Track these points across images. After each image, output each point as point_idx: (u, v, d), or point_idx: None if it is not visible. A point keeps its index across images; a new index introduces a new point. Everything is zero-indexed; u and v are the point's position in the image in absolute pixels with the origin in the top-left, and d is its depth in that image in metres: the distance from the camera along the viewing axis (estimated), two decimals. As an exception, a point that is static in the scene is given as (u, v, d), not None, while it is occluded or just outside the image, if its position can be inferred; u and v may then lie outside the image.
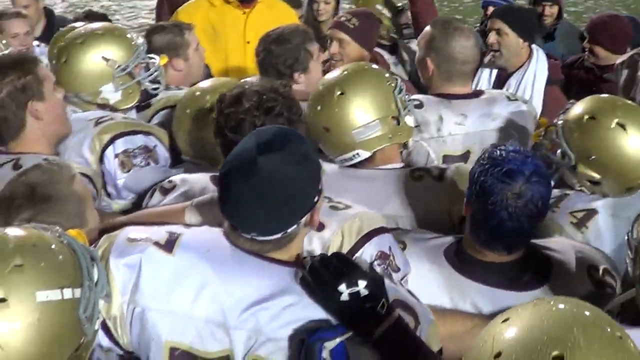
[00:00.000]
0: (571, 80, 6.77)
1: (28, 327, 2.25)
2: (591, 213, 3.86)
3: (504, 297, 3.26)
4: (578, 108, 3.95)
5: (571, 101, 4.21)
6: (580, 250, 3.44)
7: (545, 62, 6.04)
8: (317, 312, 2.67)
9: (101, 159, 4.24)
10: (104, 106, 4.55)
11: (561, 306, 2.10)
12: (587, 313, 2.09)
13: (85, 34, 4.59)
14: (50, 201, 2.98)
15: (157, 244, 2.80)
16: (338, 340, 2.59)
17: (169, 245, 2.80)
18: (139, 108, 4.84)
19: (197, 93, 4.38)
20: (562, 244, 3.54)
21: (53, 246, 2.41)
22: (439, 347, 2.86)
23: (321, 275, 2.67)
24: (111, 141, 4.25)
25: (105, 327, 2.74)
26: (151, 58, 4.69)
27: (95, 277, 2.47)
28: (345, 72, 4.02)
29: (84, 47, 4.52)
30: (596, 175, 3.84)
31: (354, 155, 3.91)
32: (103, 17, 7.50)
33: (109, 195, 4.27)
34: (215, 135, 3.39)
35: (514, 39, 5.85)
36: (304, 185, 2.75)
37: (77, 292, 2.36)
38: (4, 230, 2.45)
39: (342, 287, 2.63)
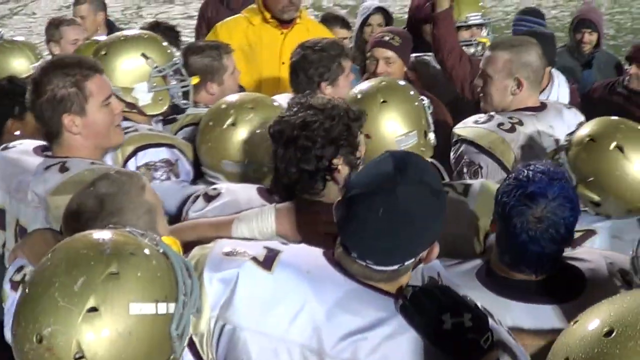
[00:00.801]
0: (606, 104, 6.82)
1: (118, 339, 2.18)
2: (589, 234, 3.87)
3: (544, 311, 3.24)
4: (583, 130, 4.05)
5: (580, 122, 4.40)
6: (609, 257, 3.41)
7: (566, 87, 6.12)
8: (416, 347, 2.60)
9: None
10: (132, 106, 4.53)
11: None
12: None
13: (128, 34, 4.73)
14: (120, 213, 2.89)
15: (255, 259, 2.75)
16: None
17: (267, 262, 2.73)
18: (165, 122, 4.91)
19: (223, 106, 4.44)
20: (590, 254, 3.50)
21: (150, 255, 2.34)
22: None
23: (424, 303, 2.61)
24: (134, 153, 4.25)
25: (190, 343, 2.66)
26: (187, 78, 4.73)
27: (190, 291, 2.40)
28: (384, 83, 4.28)
29: (126, 43, 4.60)
30: (595, 197, 3.90)
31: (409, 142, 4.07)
32: (171, 29, 7.62)
33: None
34: (273, 140, 3.41)
35: None
36: (434, 221, 2.69)
37: (171, 307, 2.30)
38: (100, 234, 2.38)
39: (446, 317, 2.56)
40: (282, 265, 2.74)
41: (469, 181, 4.09)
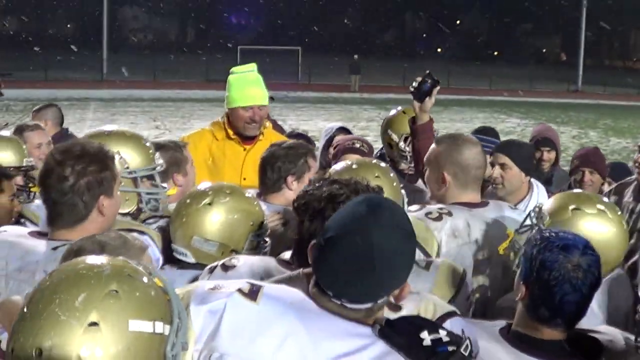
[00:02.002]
0: None
1: (117, 355, 2.21)
2: None
3: None
4: (554, 205, 4.35)
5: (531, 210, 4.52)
6: (624, 332, 3.52)
7: (545, 195, 6.16)
8: None
9: None
10: None
11: None
12: None
13: (115, 131, 4.83)
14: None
15: (240, 291, 2.80)
16: None
17: (252, 294, 2.79)
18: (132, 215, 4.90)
19: (202, 188, 4.64)
20: (606, 328, 3.62)
21: (146, 280, 2.38)
22: None
23: (401, 326, 2.72)
24: None
25: None
26: (163, 188, 4.86)
27: (183, 320, 2.43)
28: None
29: (108, 138, 4.67)
30: None
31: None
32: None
33: None
34: (297, 206, 3.49)
35: (517, 173, 6.00)
36: (405, 262, 2.80)
37: (167, 329, 2.33)
38: (97, 259, 2.41)
39: (424, 334, 2.67)
40: (266, 296, 2.80)
41: (430, 259, 4.22)
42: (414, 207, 4.93)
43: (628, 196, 6.66)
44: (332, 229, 2.78)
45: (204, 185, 4.72)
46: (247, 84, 6.89)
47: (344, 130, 8.22)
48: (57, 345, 2.17)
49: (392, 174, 4.79)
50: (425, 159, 5.15)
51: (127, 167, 4.63)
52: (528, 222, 4.34)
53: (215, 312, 2.76)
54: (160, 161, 4.88)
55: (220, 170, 6.74)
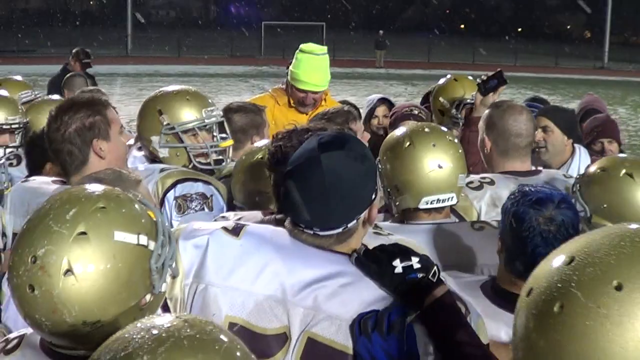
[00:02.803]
0: None
1: (103, 262, 2.36)
2: None
3: None
4: (591, 167, 4.25)
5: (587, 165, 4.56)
6: None
7: (588, 159, 6.14)
8: (372, 292, 2.77)
9: (162, 202, 4.49)
10: (154, 156, 4.81)
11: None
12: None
13: (165, 90, 4.91)
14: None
15: (224, 228, 2.99)
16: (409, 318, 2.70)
17: (235, 231, 2.97)
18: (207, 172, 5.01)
19: (253, 148, 4.65)
20: None
21: (134, 203, 2.54)
22: (487, 341, 2.92)
23: (376, 255, 2.81)
24: (173, 185, 4.52)
25: (164, 306, 2.80)
26: (216, 139, 4.91)
27: (168, 242, 2.56)
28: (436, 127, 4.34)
29: (155, 97, 4.84)
30: (609, 224, 3.90)
31: (450, 198, 4.10)
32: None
33: None
34: (266, 167, 3.54)
35: (560, 136, 6.00)
36: (364, 182, 2.87)
37: (152, 245, 2.48)
38: (91, 185, 2.58)
39: (397, 262, 2.77)
40: (248, 233, 2.98)
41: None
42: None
43: None
44: (290, 164, 2.90)
45: (258, 143, 4.76)
46: (310, 68, 6.97)
47: (385, 101, 8.15)
48: (49, 251, 2.35)
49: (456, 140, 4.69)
50: (478, 123, 5.14)
51: (168, 123, 4.75)
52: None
53: (200, 246, 2.95)
54: (215, 113, 4.90)
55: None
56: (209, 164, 4.85)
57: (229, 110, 5.50)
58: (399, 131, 4.27)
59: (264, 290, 2.84)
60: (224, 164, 4.93)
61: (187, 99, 4.83)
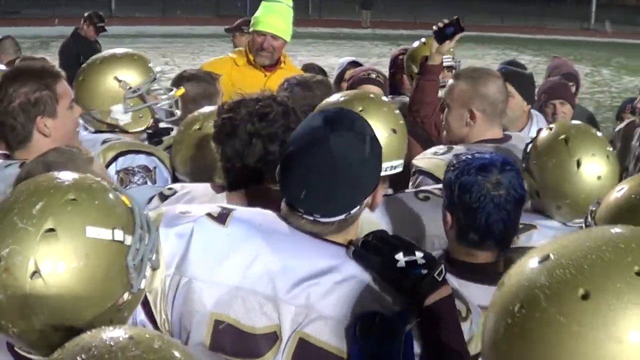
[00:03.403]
0: None
1: (74, 260, 2.21)
2: (528, 227, 4.01)
3: None
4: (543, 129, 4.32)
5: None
6: None
7: (545, 125, 5.92)
8: (369, 291, 2.64)
9: None
10: (113, 127, 4.74)
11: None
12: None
13: (105, 56, 4.82)
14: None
15: (209, 215, 2.81)
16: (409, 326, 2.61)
17: (222, 217, 2.80)
18: (152, 141, 5.08)
19: (192, 117, 4.61)
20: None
21: (109, 192, 2.38)
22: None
23: (377, 246, 2.68)
24: (114, 158, 4.47)
25: (144, 301, 2.67)
26: (169, 91, 4.90)
27: (147, 234, 2.42)
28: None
29: (101, 66, 4.73)
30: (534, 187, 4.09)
31: (400, 165, 4.05)
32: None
33: None
34: (213, 140, 3.45)
35: (520, 102, 6.05)
36: (372, 167, 2.77)
37: (128, 239, 2.32)
38: (60, 174, 2.42)
39: (399, 256, 2.64)
40: (235, 220, 2.80)
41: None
42: (441, 149, 4.85)
43: (635, 139, 6.56)
44: (292, 144, 2.77)
45: (200, 110, 4.70)
46: (270, 12, 6.97)
47: (355, 64, 8.13)
48: (14, 251, 2.17)
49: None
50: (446, 98, 5.04)
51: (130, 87, 4.66)
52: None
53: (183, 235, 2.76)
54: (158, 69, 4.90)
55: None
56: (172, 114, 4.86)
57: (181, 79, 5.48)
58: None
59: (252, 285, 2.70)
60: (178, 112, 4.87)
61: (135, 59, 4.81)
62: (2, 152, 4.16)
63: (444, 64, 6.83)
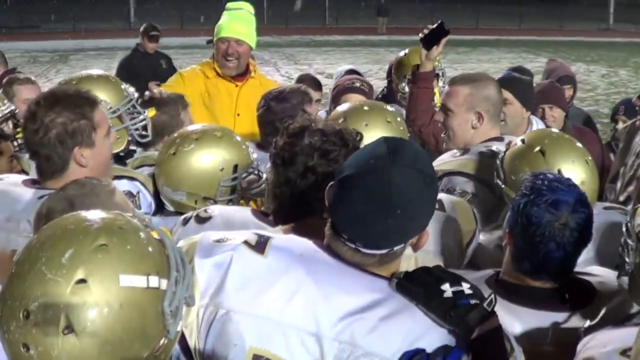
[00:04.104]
0: None
1: (108, 312, 2.10)
2: None
3: (554, 318, 3.29)
4: (518, 138, 4.46)
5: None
6: (614, 271, 3.42)
7: None
8: (416, 325, 2.56)
9: None
10: None
11: None
12: None
13: (80, 77, 4.76)
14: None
15: (246, 243, 2.71)
16: None
17: (260, 246, 2.70)
18: (121, 160, 4.94)
19: (185, 141, 4.49)
20: (599, 270, 3.56)
21: (141, 232, 2.26)
22: None
23: (421, 278, 2.60)
24: None
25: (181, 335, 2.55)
26: (142, 112, 4.86)
27: (183, 274, 2.30)
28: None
29: (78, 86, 4.51)
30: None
31: None
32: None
33: None
34: (271, 162, 3.33)
35: (519, 109, 6.03)
36: (426, 207, 2.70)
37: (164, 284, 2.21)
38: (88, 213, 2.31)
39: (446, 286, 2.56)
40: (274, 248, 2.70)
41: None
42: (457, 152, 4.93)
43: (639, 136, 6.61)
44: (350, 167, 2.67)
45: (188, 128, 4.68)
46: (231, 19, 6.95)
47: (353, 72, 8.13)
48: (43, 305, 2.07)
49: (399, 119, 4.80)
50: (447, 104, 5.10)
51: (110, 108, 4.61)
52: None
53: (221, 265, 2.67)
54: (132, 89, 4.86)
55: (216, 105, 6.88)
56: (145, 135, 4.82)
57: (146, 104, 5.41)
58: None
59: (294, 320, 2.59)
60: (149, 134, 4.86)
61: (111, 80, 4.83)
62: (30, 178, 4.07)
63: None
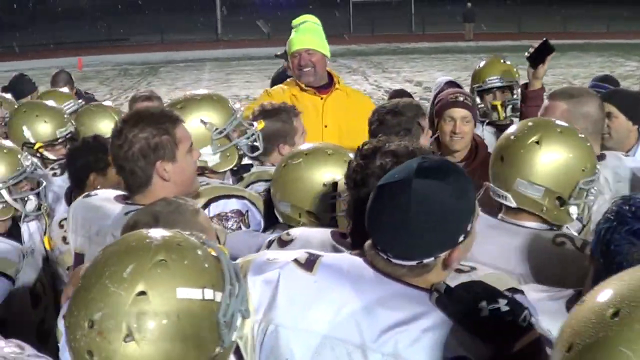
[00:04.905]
0: None
1: (166, 322, 2.23)
2: None
3: None
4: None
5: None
6: None
7: None
8: (457, 337, 2.57)
9: None
10: (202, 168, 4.67)
11: None
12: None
13: (185, 99, 4.81)
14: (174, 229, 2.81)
15: (296, 261, 2.80)
16: None
17: (309, 264, 2.78)
18: (236, 176, 5.10)
19: (294, 156, 4.48)
20: None
21: (197, 249, 2.39)
22: None
23: (460, 295, 2.61)
24: (207, 204, 4.41)
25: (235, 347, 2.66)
26: (251, 126, 4.89)
27: (237, 288, 2.41)
28: (553, 122, 4.12)
29: (184, 111, 4.60)
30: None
31: (503, 196, 3.93)
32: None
33: None
34: (346, 185, 3.34)
35: (624, 122, 5.80)
36: (452, 220, 2.66)
37: (218, 296, 2.34)
38: (149, 231, 2.44)
39: (483, 304, 2.56)
40: (323, 266, 2.78)
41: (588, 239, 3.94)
42: None
43: None
44: (383, 179, 2.74)
45: (299, 148, 4.67)
46: (298, 33, 7.02)
47: (452, 84, 8.03)
48: (107, 315, 2.21)
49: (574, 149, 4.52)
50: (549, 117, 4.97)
51: (216, 129, 4.68)
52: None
53: (270, 282, 2.76)
54: (237, 106, 4.91)
55: (304, 119, 6.66)
56: (256, 149, 4.88)
57: (259, 114, 5.44)
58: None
59: (341, 334, 2.66)
60: (261, 146, 4.92)
61: (214, 99, 4.86)
62: (122, 194, 4.22)
63: (490, 85, 7.12)
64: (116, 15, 70.72)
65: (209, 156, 4.69)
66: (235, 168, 4.90)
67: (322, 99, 6.92)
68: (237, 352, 2.71)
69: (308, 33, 7.01)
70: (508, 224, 3.96)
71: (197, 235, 2.50)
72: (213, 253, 2.42)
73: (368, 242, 2.76)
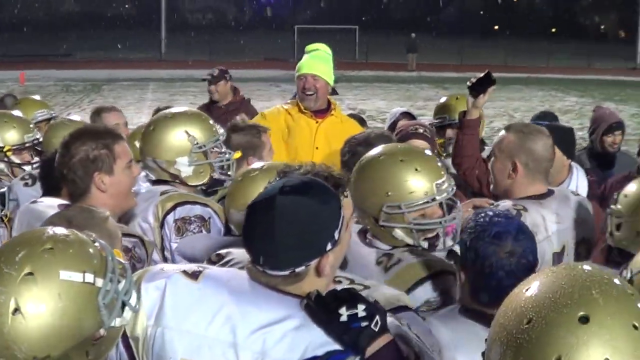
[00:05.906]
0: None
1: (49, 300, 2.49)
2: None
3: None
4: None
5: (587, 209, 4.96)
6: None
7: (585, 179, 6.29)
8: (320, 337, 2.80)
9: (162, 225, 4.75)
10: (174, 177, 4.98)
11: (578, 269, 2.26)
12: (600, 274, 2.19)
13: (176, 112, 5.12)
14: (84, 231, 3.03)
15: (184, 272, 3.03)
16: None
17: (195, 274, 3.01)
18: (206, 193, 5.33)
19: (251, 170, 4.63)
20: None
21: (84, 243, 2.67)
22: None
23: (325, 301, 2.82)
24: (172, 208, 4.76)
25: (127, 345, 2.97)
26: (228, 152, 5.14)
27: (122, 280, 2.67)
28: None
29: (173, 120, 5.01)
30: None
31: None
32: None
33: (165, 260, 4.69)
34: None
35: (559, 157, 5.87)
36: (316, 230, 2.88)
37: (99, 282, 2.58)
38: (48, 228, 2.73)
39: (342, 310, 2.77)
40: (207, 277, 3.02)
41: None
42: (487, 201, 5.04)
43: None
44: (252, 199, 3.02)
45: (255, 165, 4.80)
46: (309, 58, 7.44)
47: (407, 115, 8.39)
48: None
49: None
50: (494, 147, 5.18)
51: (197, 143, 4.94)
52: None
53: (159, 288, 2.98)
54: (222, 130, 5.20)
55: (296, 138, 7.30)
56: (227, 174, 5.10)
57: (229, 129, 5.70)
58: None
59: (217, 334, 2.90)
60: (232, 173, 5.12)
61: (203, 118, 5.14)
62: (65, 203, 4.51)
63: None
64: (62, 30, 70.36)
65: (184, 167, 4.97)
66: (204, 188, 5.15)
67: (317, 122, 7.33)
68: (130, 351, 2.99)
69: (318, 60, 7.43)
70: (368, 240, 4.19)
71: (89, 234, 2.79)
72: (98, 246, 2.69)
73: (248, 259, 3.01)
